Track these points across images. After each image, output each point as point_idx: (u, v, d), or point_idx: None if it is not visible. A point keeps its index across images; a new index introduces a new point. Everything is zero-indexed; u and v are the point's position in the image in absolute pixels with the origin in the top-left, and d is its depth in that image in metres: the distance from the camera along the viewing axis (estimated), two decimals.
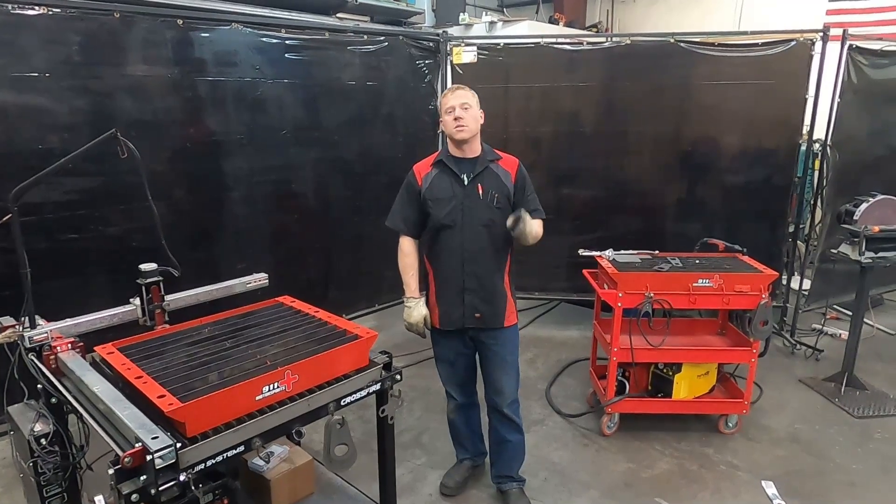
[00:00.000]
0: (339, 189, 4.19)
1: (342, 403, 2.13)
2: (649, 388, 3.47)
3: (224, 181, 3.54)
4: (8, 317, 2.28)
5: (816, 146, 4.66)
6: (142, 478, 1.58)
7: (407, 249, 2.71)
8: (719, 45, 4.33)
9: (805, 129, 4.42)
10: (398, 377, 2.32)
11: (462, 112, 2.53)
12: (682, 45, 4.32)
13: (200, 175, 3.46)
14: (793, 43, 4.21)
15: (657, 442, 3.33)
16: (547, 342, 4.76)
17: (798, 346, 4.51)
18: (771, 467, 3.12)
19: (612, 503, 2.87)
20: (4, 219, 2.05)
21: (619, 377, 3.35)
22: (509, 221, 2.49)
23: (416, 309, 2.68)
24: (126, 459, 1.54)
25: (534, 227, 2.62)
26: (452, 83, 4.59)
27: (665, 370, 3.38)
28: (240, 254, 3.65)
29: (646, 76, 4.44)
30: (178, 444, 1.60)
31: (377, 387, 2.24)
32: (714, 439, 3.37)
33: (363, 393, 2.19)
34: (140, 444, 1.58)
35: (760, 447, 3.31)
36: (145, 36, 3.07)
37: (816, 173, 4.67)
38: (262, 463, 2.58)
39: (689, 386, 3.37)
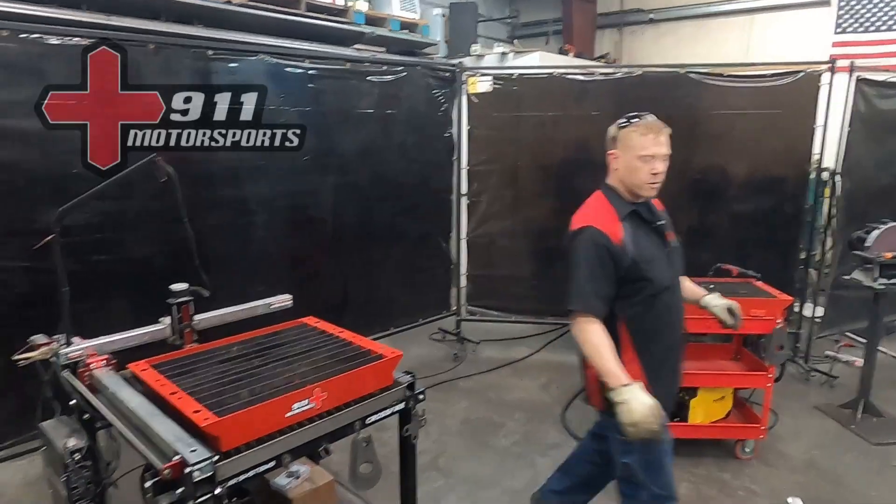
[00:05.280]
0: (356, 214, 4.28)
1: (367, 422, 2.17)
2: None
3: (246, 206, 3.63)
4: (41, 335, 2.35)
5: (825, 175, 4.73)
6: (178, 490, 1.63)
7: (600, 330, 2.05)
8: (729, 76, 4.43)
9: (814, 158, 4.49)
10: (421, 397, 2.36)
11: (662, 166, 2.12)
12: (692, 75, 4.44)
13: (222, 199, 3.56)
14: (801, 74, 4.31)
15: (674, 467, 3.32)
16: (560, 367, 4.78)
17: (813, 373, 4.51)
18: (788, 493, 3.11)
19: None
20: (46, 240, 2.13)
21: None
22: (728, 318, 2.39)
23: (641, 398, 1.90)
24: (165, 471, 1.59)
25: None
26: (469, 112, 4.72)
27: (680, 394, 3.40)
28: (259, 277, 3.71)
29: (656, 106, 4.47)
30: (215, 458, 1.65)
31: (401, 406, 2.28)
32: (730, 465, 3.37)
33: (388, 412, 2.23)
34: (178, 456, 1.63)
35: (778, 473, 3.31)
36: (176, 65, 3.20)
37: (826, 201, 4.72)
38: (284, 482, 2.61)
39: (704, 410, 3.38)
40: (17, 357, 2.17)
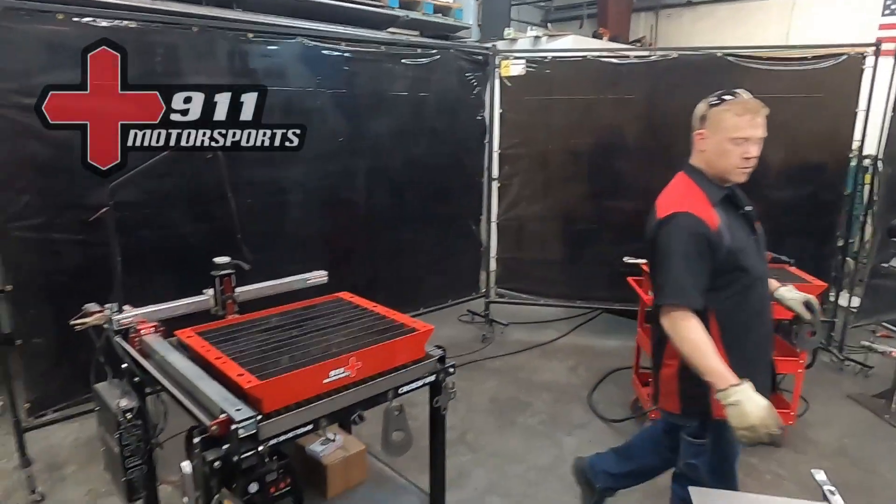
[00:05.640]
0: (387, 196, 4.35)
1: (399, 392, 2.26)
2: None
3: (283, 186, 3.73)
4: (93, 303, 2.50)
5: (867, 161, 4.61)
6: (224, 447, 1.74)
7: (699, 326, 1.88)
8: (768, 59, 4.35)
9: (855, 144, 4.38)
10: (451, 370, 2.43)
11: (756, 150, 1.97)
12: (729, 59, 4.36)
13: (260, 180, 3.66)
14: (844, 57, 4.21)
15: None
16: (588, 351, 4.81)
17: (847, 363, 4.45)
18: None
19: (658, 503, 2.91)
20: (101, 212, 2.26)
21: None
22: (805, 312, 2.19)
23: (755, 399, 1.74)
24: (213, 428, 1.70)
25: None
26: (501, 95, 4.73)
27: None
28: (293, 256, 3.82)
29: (692, 90, 4.45)
30: (259, 417, 1.75)
31: (431, 378, 2.36)
32: (758, 450, 3.36)
33: (419, 383, 2.31)
34: (224, 415, 1.74)
35: (806, 459, 3.30)
36: (218, 48, 3.30)
37: (867, 188, 4.61)
38: (318, 449, 2.72)
39: None
40: (73, 322, 2.30)
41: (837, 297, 4.70)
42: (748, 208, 2.07)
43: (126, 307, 2.41)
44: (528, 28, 6.96)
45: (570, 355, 4.70)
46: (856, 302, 4.73)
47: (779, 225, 4.56)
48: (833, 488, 1.40)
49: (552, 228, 4.99)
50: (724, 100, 2.04)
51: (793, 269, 3.46)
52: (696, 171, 2.09)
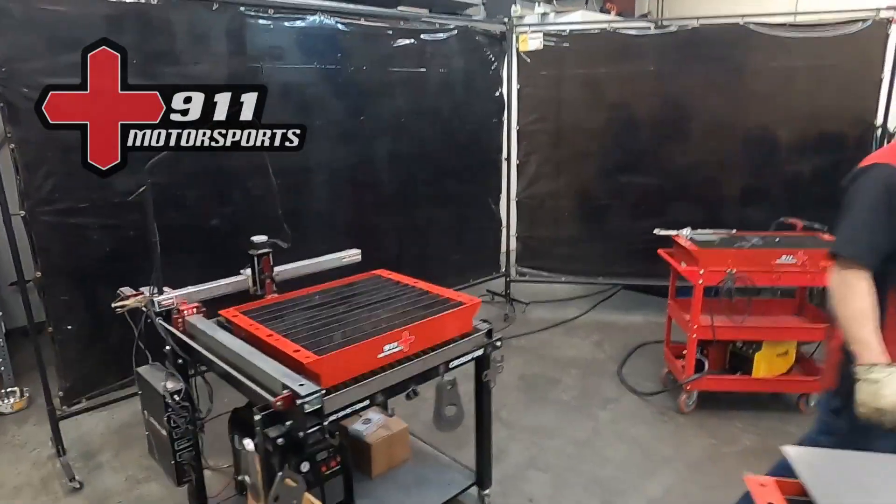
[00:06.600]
0: (409, 174, 4.29)
1: (450, 366, 2.23)
2: (726, 367, 3.48)
3: (308, 166, 3.67)
4: (126, 287, 2.45)
5: (892, 129, 4.56)
6: (287, 423, 1.71)
7: (867, 291, 1.65)
8: (791, 25, 4.28)
9: (880, 112, 4.33)
10: (498, 343, 2.41)
11: None
12: (750, 27, 4.29)
13: (284, 162, 3.59)
14: (868, 22, 4.14)
15: (737, 420, 3.34)
16: (611, 326, 4.78)
17: None
18: None
19: (697, 476, 2.89)
20: (140, 190, 2.20)
21: (697, 355, 3.37)
22: None
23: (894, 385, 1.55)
24: (278, 403, 1.66)
25: None
26: (518, 71, 4.66)
27: (744, 349, 3.39)
28: (317, 236, 3.77)
29: (712, 62, 4.44)
30: (323, 391, 1.72)
31: (480, 352, 2.33)
32: (794, 418, 3.36)
33: (468, 357, 2.28)
34: (287, 390, 1.70)
35: None
36: (235, 25, 3.23)
37: None
38: (361, 428, 2.70)
39: (768, 365, 3.37)
40: (114, 305, 2.25)
41: None
42: None
43: (166, 289, 2.37)
44: (536, 4, 6.85)
45: (594, 331, 4.68)
46: None
47: (802, 196, 4.54)
48: None
49: (572, 205, 4.94)
50: None
51: (826, 236, 3.42)
52: None
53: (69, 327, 2.91)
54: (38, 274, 2.81)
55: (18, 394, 3.67)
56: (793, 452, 1.32)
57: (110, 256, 2.95)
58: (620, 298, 5.41)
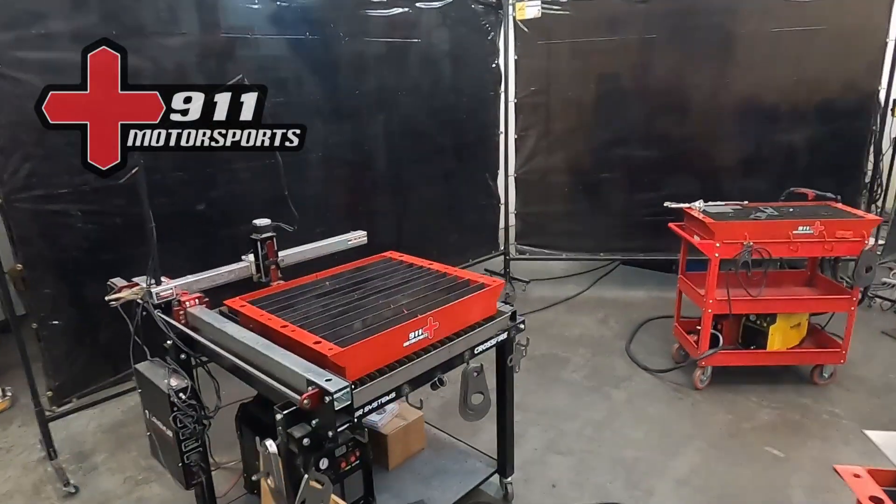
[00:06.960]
0: (406, 151, 4.11)
1: (475, 352, 2.10)
2: (740, 341, 3.42)
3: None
4: (118, 278, 2.26)
5: None
6: (313, 421, 1.56)
7: None
8: None
9: (884, 76, 4.25)
10: (522, 326, 2.29)
11: None
12: None
13: None
14: None
15: (752, 394, 3.29)
16: (614, 303, 4.70)
17: (874, 300, 4.43)
18: (872, 416, 3.07)
19: (719, 453, 2.83)
20: (133, 171, 2.02)
21: (711, 330, 3.29)
22: None
23: None
24: (305, 401, 1.52)
25: None
26: (516, 41, 4.48)
27: (758, 322, 3.32)
28: (314, 218, 3.59)
29: (714, 28, 4.30)
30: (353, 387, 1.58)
31: (505, 336, 2.21)
32: (808, 390, 3.32)
33: (493, 342, 2.16)
34: (313, 387, 1.56)
35: (857, 397, 3.26)
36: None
37: (894, 122, 4.51)
38: (375, 419, 2.57)
39: (782, 337, 3.31)
40: (108, 298, 2.07)
41: None
42: None
43: (164, 279, 2.19)
44: None
45: (598, 308, 4.60)
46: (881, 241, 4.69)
47: (805, 163, 4.48)
48: None
49: (573, 180, 4.80)
50: None
51: (840, 205, 3.35)
52: None
53: (55, 322, 2.71)
54: (19, 266, 2.60)
55: (0, 393, 3.46)
56: (878, 438, 1.22)
57: (97, 246, 2.75)
58: (619, 274, 5.33)
